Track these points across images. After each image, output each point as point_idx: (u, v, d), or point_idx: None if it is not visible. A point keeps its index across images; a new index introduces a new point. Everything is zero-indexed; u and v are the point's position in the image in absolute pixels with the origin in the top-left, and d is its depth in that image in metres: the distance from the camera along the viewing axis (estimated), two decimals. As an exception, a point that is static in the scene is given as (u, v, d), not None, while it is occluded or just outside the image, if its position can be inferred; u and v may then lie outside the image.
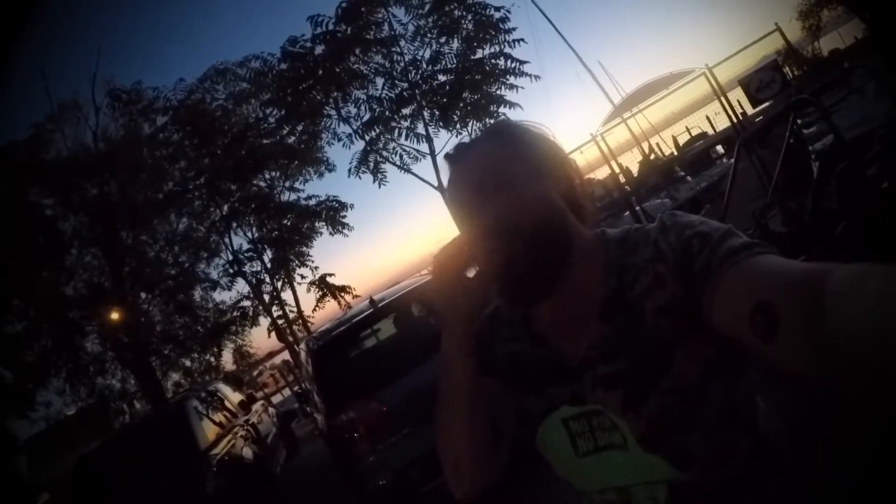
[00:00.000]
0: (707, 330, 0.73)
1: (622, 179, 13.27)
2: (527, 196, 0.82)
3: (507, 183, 0.82)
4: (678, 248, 0.77)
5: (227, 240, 14.92)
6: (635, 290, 0.80)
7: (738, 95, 11.03)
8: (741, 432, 0.78)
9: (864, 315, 0.51)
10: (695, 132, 18.71)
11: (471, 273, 0.85)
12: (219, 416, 6.92)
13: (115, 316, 13.13)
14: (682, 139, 18.27)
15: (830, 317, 0.54)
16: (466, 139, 0.95)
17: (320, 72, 11.92)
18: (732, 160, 6.05)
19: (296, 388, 15.72)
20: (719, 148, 14.24)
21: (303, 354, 6.00)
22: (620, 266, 0.83)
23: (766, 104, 9.86)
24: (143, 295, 14.70)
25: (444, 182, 0.93)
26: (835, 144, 3.55)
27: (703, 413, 0.76)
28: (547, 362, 0.87)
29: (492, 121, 10.48)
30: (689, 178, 11.77)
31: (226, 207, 14.43)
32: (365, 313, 5.26)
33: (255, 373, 17.89)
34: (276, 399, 18.15)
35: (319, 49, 11.82)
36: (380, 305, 5.21)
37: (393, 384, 4.44)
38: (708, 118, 17.69)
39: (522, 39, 11.56)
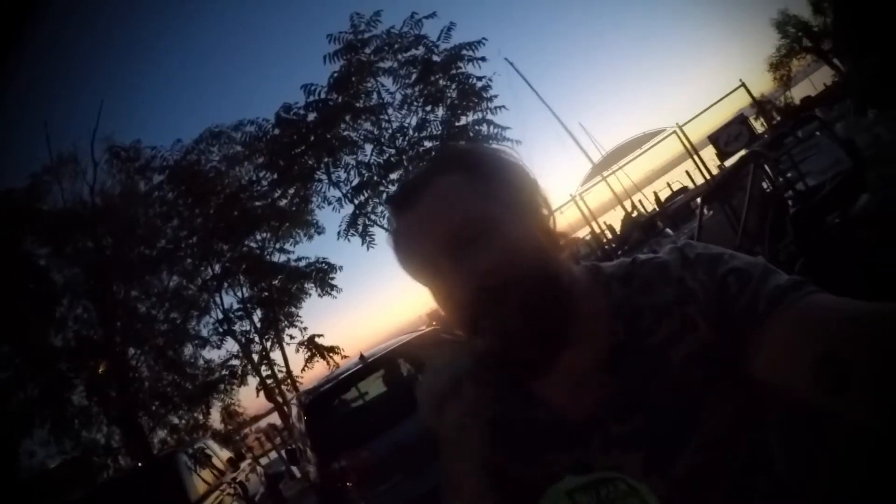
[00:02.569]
0: (740, 377, 0.66)
1: (604, 238, 13.65)
2: (513, 242, 0.68)
3: (487, 229, 0.68)
4: (711, 288, 0.68)
5: (217, 299, 15.03)
6: (657, 336, 0.70)
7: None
8: (761, 476, 0.71)
9: None
10: (676, 187, 19.34)
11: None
12: (208, 472, 6.86)
13: (103, 369, 13.03)
14: (664, 194, 18.88)
15: None
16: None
17: (312, 138, 12.40)
18: (709, 212, 6.41)
19: (282, 451, 15.42)
20: (699, 201, 14.68)
21: (294, 410, 6.08)
22: (631, 308, 0.72)
23: (737, 156, 10.39)
24: (132, 350, 14.64)
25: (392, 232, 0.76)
26: (778, 191, 3.88)
27: (730, 465, 0.69)
28: (543, 426, 0.75)
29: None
30: (669, 231, 12.14)
31: (217, 267, 14.62)
32: (354, 368, 5.44)
33: (243, 432, 17.54)
34: (263, 462, 17.71)
35: (312, 116, 12.36)
36: (369, 361, 5.40)
37: (382, 435, 4.54)
38: (688, 173, 18.41)
39: (504, 106, 12.21)
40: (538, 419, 0.75)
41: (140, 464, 10.62)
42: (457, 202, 0.69)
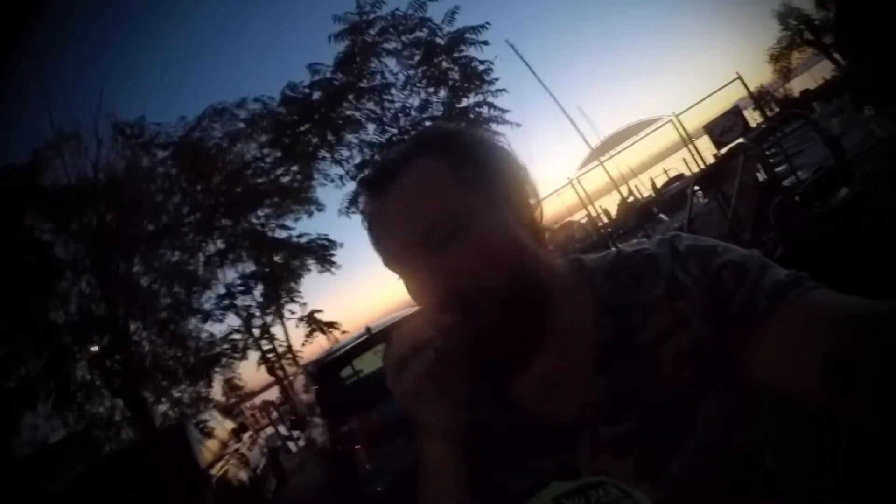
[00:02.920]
0: (736, 375, 0.64)
1: (600, 221, 13.91)
2: (490, 241, 0.64)
3: (464, 226, 0.64)
4: (705, 283, 0.65)
5: (219, 274, 15.29)
6: (647, 333, 0.66)
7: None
8: (757, 476, 0.68)
9: None
10: (672, 174, 19.54)
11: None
12: (213, 441, 7.16)
13: (106, 344, 13.25)
14: (660, 181, 19.09)
15: None
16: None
17: (316, 116, 12.60)
18: (704, 200, 6.68)
19: (280, 426, 15.77)
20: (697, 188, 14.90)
21: (301, 381, 6.37)
22: (618, 303, 0.68)
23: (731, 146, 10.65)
24: (133, 325, 14.79)
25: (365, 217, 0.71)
26: (766, 181, 4.14)
27: (726, 465, 0.65)
28: (526, 430, 0.71)
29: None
30: (663, 216, 12.38)
31: (220, 242, 14.88)
32: (361, 339, 5.73)
33: (243, 406, 17.90)
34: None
35: (317, 95, 12.54)
36: (374, 332, 5.69)
37: (386, 401, 4.82)
38: (685, 160, 18.58)
39: (504, 90, 12.40)
40: (520, 423, 0.71)
41: (151, 432, 10.89)
42: (433, 193, 0.64)
